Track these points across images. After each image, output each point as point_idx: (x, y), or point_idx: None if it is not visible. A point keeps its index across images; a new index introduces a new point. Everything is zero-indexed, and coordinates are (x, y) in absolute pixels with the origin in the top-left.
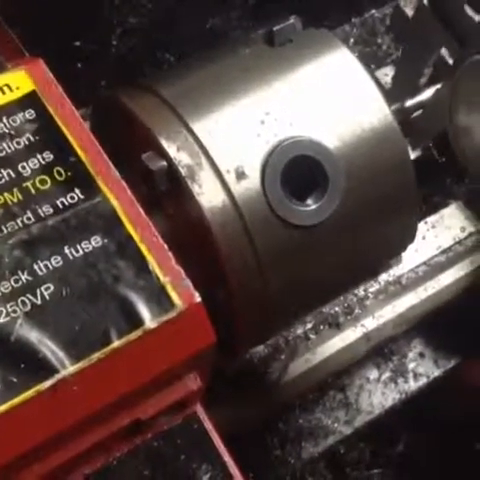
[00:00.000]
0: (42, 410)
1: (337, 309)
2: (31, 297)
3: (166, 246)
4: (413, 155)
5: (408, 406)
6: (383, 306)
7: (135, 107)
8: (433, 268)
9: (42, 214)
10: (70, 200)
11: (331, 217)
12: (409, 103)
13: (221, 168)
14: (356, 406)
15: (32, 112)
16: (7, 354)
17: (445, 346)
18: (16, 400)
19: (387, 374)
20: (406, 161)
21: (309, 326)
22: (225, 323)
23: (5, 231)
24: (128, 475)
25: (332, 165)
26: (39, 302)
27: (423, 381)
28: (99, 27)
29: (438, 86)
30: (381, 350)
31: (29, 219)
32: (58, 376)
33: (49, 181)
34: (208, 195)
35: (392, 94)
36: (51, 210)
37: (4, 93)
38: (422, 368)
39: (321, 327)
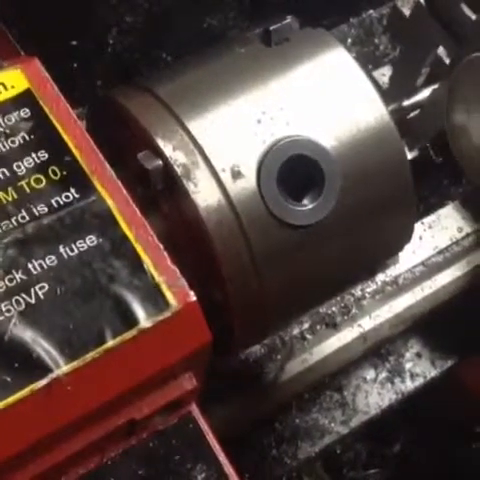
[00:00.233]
0: (36, 410)
1: (334, 309)
2: (25, 296)
3: (161, 246)
4: (410, 155)
5: (405, 406)
6: (380, 306)
7: (131, 106)
8: (430, 268)
9: (37, 213)
10: (65, 199)
11: (327, 217)
12: (406, 103)
13: (217, 167)
14: (353, 406)
15: (27, 111)
16: (1, 353)
17: (442, 346)
18: (10, 399)
19: (384, 374)
20: (403, 161)
21: (306, 326)
22: (221, 323)
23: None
24: (123, 475)
25: (328, 165)
26: (33, 301)
27: (420, 381)
28: (95, 26)
29: (435, 86)
30: (378, 350)
31: (24, 218)
32: (52, 375)
33: (44, 180)
34: (204, 194)
35: (389, 94)
36: (46, 209)
37: None
38: (419, 368)
39: (318, 327)
